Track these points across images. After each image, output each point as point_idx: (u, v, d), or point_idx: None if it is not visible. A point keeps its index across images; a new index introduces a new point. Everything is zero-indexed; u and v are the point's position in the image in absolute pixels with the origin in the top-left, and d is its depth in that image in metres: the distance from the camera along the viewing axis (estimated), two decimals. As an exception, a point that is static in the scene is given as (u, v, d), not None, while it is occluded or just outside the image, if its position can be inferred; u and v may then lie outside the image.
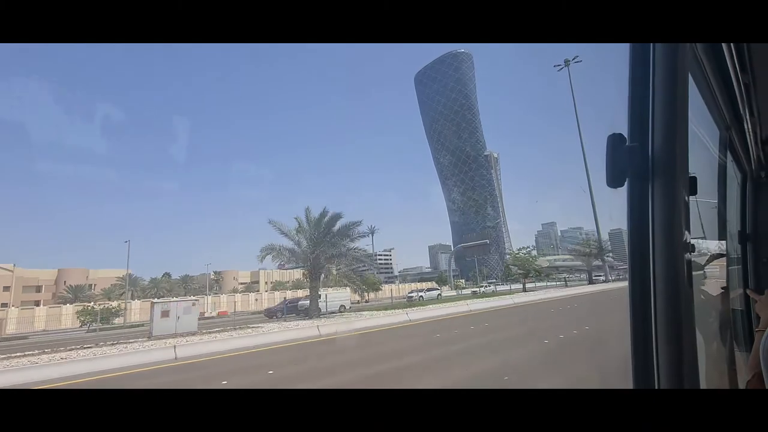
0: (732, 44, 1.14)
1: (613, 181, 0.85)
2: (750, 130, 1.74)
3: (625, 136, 0.87)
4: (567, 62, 47.64)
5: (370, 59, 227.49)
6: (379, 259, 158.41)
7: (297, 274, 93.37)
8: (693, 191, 0.86)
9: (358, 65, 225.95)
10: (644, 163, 0.83)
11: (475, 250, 44.98)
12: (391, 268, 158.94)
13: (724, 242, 1.98)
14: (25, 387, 6.74)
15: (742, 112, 1.55)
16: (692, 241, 0.87)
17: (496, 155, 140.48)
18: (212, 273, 72.37)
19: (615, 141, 0.86)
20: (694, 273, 1.00)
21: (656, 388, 0.81)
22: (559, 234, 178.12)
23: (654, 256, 0.80)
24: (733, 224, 2.12)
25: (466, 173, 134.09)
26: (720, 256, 1.91)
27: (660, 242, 0.79)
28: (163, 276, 68.53)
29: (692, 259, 0.86)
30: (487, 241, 44.07)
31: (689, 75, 0.95)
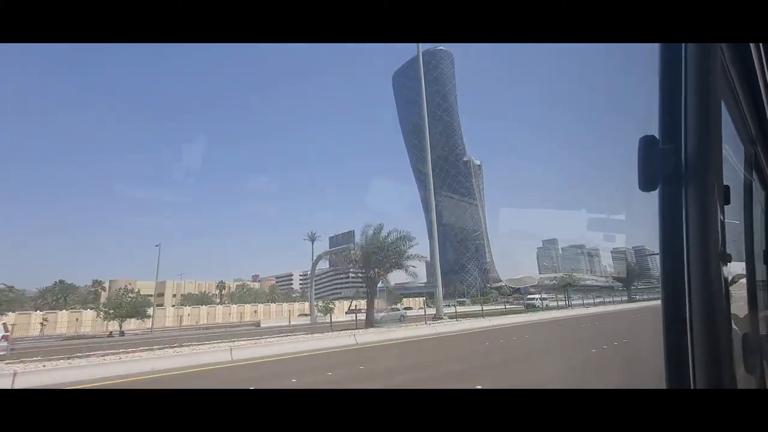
0: (763, 54, 1.12)
1: (646, 185, 0.82)
2: None
3: (657, 138, 0.84)
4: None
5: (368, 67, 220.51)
6: (353, 273, 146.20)
7: (210, 287, 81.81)
8: (726, 200, 0.84)
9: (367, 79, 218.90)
10: (678, 166, 0.80)
11: (338, 260, 32.17)
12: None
13: (749, 263, 1.90)
14: None
15: None
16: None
17: (478, 162, 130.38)
18: (92, 282, 61.43)
19: (647, 143, 0.82)
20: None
21: (692, 388, 0.78)
22: (560, 252, 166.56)
23: (688, 261, 0.78)
24: (759, 244, 2.00)
25: (444, 180, 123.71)
26: (744, 277, 1.84)
27: (694, 248, 0.77)
28: (54, 284, 57.48)
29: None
30: (351, 245, 31.26)
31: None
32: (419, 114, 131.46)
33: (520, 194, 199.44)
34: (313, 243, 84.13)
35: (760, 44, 1.07)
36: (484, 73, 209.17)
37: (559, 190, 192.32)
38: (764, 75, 1.17)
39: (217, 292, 78.59)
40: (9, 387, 9.71)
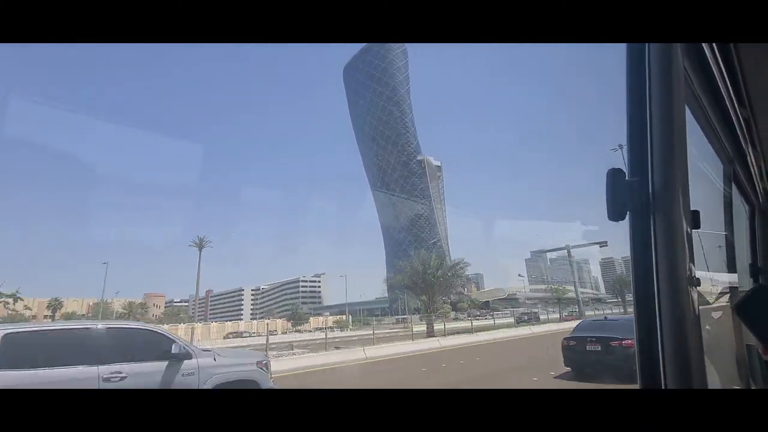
0: (727, 79, 1.17)
1: (614, 216, 0.86)
2: (753, 163, 1.74)
3: (625, 170, 0.88)
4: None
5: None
6: (303, 287, 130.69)
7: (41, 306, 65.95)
8: (696, 225, 0.87)
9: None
10: (645, 197, 0.84)
11: None
12: (319, 297, 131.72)
13: (735, 275, 1.99)
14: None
15: (743, 146, 1.57)
16: (702, 274, 0.90)
17: (437, 163, 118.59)
18: None
19: (615, 175, 0.86)
20: (705, 308, 1.06)
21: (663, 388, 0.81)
22: (548, 263, 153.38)
23: (658, 289, 0.81)
24: (744, 257, 2.09)
25: (396, 181, 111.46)
26: (732, 289, 1.91)
27: (664, 276, 0.80)
28: None
29: (703, 293, 0.87)
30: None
31: (689, 110, 0.99)
32: (367, 109, 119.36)
33: (508, 203, 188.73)
34: (200, 250, 70.08)
35: (724, 72, 1.13)
36: (463, 77, 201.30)
37: (546, 200, 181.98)
38: (732, 101, 1.25)
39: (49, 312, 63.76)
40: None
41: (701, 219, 0.89)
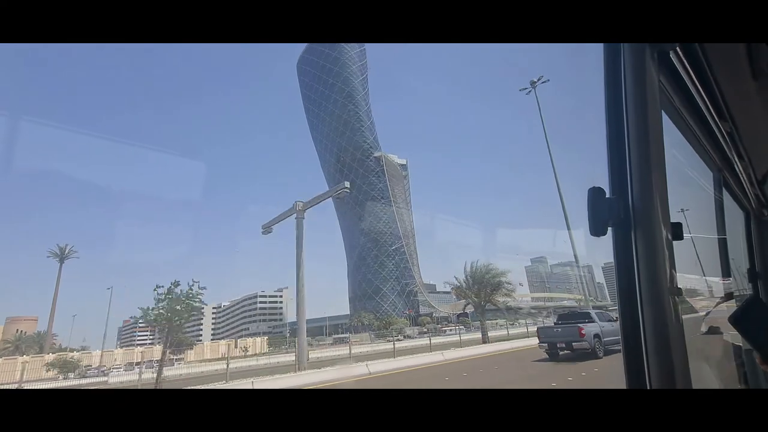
0: (705, 96, 1.22)
1: (596, 231, 0.90)
2: (742, 171, 1.80)
3: (605, 189, 0.92)
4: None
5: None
6: (262, 303, 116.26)
7: None
8: (677, 236, 0.90)
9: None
10: (625, 214, 0.87)
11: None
12: (281, 314, 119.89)
13: (732, 280, 2.07)
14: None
15: (729, 156, 1.62)
16: (699, 279, 0.96)
17: (402, 162, 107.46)
18: None
19: (595, 194, 0.90)
20: (703, 312, 1.17)
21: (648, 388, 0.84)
22: (549, 270, 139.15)
23: (641, 299, 0.84)
24: (742, 262, 2.15)
25: (353, 182, 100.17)
26: (728, 295, 1.98)
27: (646, 285, 0.84)
28: None
29: (703, 298, 0.95)
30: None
31: (676, 126, 1.06)
32: (319, 103, 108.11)
33: (507, 209, 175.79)
34: (62, 263, 60.11)
35: (700, 87, 1.17)
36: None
37: (545, 206, 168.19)
38: (713, 116, 1.32)
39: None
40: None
41: (700, 224, 0.89)
